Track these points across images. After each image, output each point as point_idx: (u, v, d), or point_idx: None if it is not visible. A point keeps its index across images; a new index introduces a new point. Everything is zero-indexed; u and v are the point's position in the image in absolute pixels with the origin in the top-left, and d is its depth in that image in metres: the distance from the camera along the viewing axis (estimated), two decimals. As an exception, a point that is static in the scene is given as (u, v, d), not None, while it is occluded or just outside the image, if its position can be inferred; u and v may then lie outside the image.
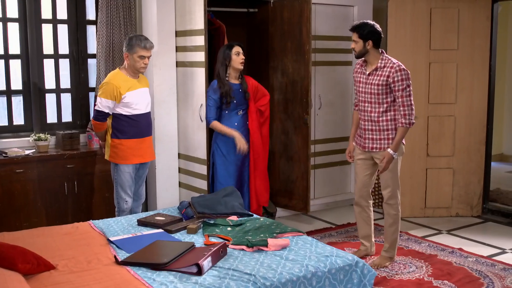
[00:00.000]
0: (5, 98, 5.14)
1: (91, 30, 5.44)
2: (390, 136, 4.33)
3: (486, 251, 4.91)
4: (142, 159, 4.62)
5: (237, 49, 4.81)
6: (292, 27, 5.34)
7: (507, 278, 4.27)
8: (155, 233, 3.62)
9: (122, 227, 3.81)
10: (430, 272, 4.40)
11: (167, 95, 5.27)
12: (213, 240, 3.52)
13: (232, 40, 5.61)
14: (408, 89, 4.23)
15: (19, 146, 5.00)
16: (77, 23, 5.37)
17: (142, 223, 3.86)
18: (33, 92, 5.20)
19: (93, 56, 5.40)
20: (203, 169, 4.96)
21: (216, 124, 4.83)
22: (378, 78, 4.29)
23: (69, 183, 4.97)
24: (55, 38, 5.30)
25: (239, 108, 4.91)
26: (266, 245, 3.30)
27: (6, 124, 5.16)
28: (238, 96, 4.88)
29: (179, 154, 5.38)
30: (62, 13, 5.31)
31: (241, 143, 4.78)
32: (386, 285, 4.14)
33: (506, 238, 5.30)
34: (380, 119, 4.34)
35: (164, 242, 3.38)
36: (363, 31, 4.28)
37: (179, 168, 5.39)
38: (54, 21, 5.28)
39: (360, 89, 4.45)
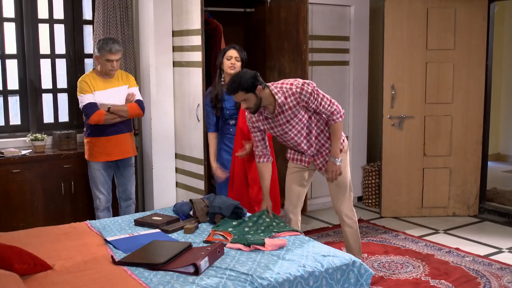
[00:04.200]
0: (2, 98, 5.13)
1: (87, 30, 5.44)
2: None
3: (483, 251, 4.92)
4: (108, 157, 4.68)
5: (230, 53, 4.47)
6: (289, 27, 5.34)
7: (504, 278, 4.28)
8: (152, 233, 3.61)
9: (119, 227, 3.80)
10: (427, 271, 4.41)
11: (163, 95, 5.26)
12: (216, 237, 3.53)
13: (229, 40, 5.61)
14: (320, 96, 3.79)
15: (15, 146, 4.99)
16: (73, 23, 5.36)
17: (139, 223, 3.86)
18: (30, 92, 5.19)
19: (90, 56, 5.40)
20: (200, 169, 4.96)
21: (209, 138, 4.66)
22: (292, 111, 3.82)
23: (65, 183, 4.96)
24: (51, 38, 5.29)
25: (231, 118, 4.56)
26: (263, 244, 3.30)
27: (3, 124, 5.15)
28: (230, 104, 4.51)
29: (176, 154, 5.37)
30: (59, 13, 5.30)
31: (217, 173, 4.60)
32: (383, 285, 4.14)
33: (502, 237, 5.31)
34: (315, 137, 3.96)
35: (161, 242, 3.38)
36: (245, 84, 3.71)
37: (176, 168, 5.39)
38: (51, 21, 5.27)
39: (278, 133, 3.94)
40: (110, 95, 4.59)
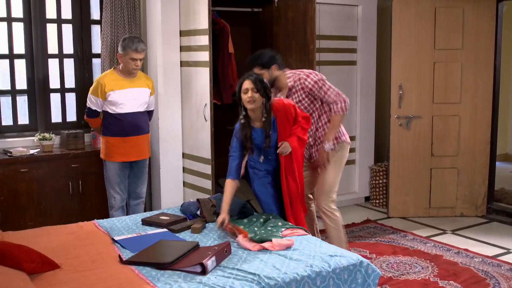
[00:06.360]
0: (10, 97, 5.15)
1: (95, 29, 5.45)
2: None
3: (491, 251, 4.89)
4: (125, 158, 4.68)
5: (244, 85, 3.78)
6: (296, 27, 5.33)
7: (512, 278, 4.26)
8: (159, 233, 3.62)
9: (126, 226, 3.81)
10: (436, 272, 4.39)
11: (171, 95, 5.27)
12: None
13: (237, 40, 5.63)
14: (326, 85, 4.18)
15: (24, 146, 5.00)
16: (81, 22, 5.38)
17: (146, 222, 3.86)
18: (38, 91, 5.21)
19: (98, 55, 5.41)
20: (207, 169, 4.96)
21: (225, 186, 3.83)
22: (297, 95, 4.23)
23: (73, 182, 4.98)
24: (59, 38, 5.31)
25: (262, 154, 3.96)
26: (279, 238, 3.38)
27: (11, 123, 5.17)
28: (259, 142, 3.90)
29: (183, 153, 5.38)
30: (67, 13, 5.32)
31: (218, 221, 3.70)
32: (392, 285, 4.13)
33: (511, 238, 5.28)
34: (317, 126, 4.31)
35: (168, 242, 3.38)
36: (263, 60, 4.16)
37: (183, 167, 5.39)
38: (59, 21, 5.29)
39: None
40: (129, 95, 4.61)
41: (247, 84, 3.78)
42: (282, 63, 4.27)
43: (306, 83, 4.17)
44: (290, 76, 4.23)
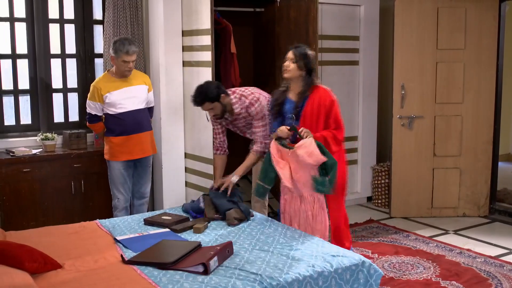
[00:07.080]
0: (13, 97, 5.16)
1: (98, 29, 5.46)
2: None
3: (493, 252, 4.89)
4: (129, 156, 4.69)
5: (288, 54, 3.99)
6: (298, 27, 5.33)
7: (515, 279, 4.25)
8: (161, 233, 3.62)
9: (128, 226, 3.81)
10: (438, 272, 4.39)
11: (173, 95, 5.27)
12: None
13: (239, 40, 5.63)
14: (263, 122, 4.27)
15: (26, 146, 5.02)
16: (84, 22, 5.39)
17: (148, 222, 3.87)
18: (40, 91, 5.22)
19: (100, 55, 5.42)
20: (209, 169, 4.96)
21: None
22: (244, 120, 4.37)
23: (76, 182, 4.98)
24: (62, 38, 5.32)
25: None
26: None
27: (14, 123, 5.18)
28: (287, 110, 4.00)
29: (185, 153, 5.38)
30: (69, 13, 5.33)
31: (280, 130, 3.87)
32: (393, 285, 4.13)
33: (513, 238, 5.28)
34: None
35: (171, 242, 3.39)
36: (210, 95, 4.14)
37: (185, 167, 5.39)
38: (61, 21, 5.30)
39: (238, 131, 4.50)
40: (127, 93, 4.62)
41: (288, 54, 4.00)
42: (225, 89, 4.20)
43: (249, 111, 4.21)
44: (236, 102, 4.20)
